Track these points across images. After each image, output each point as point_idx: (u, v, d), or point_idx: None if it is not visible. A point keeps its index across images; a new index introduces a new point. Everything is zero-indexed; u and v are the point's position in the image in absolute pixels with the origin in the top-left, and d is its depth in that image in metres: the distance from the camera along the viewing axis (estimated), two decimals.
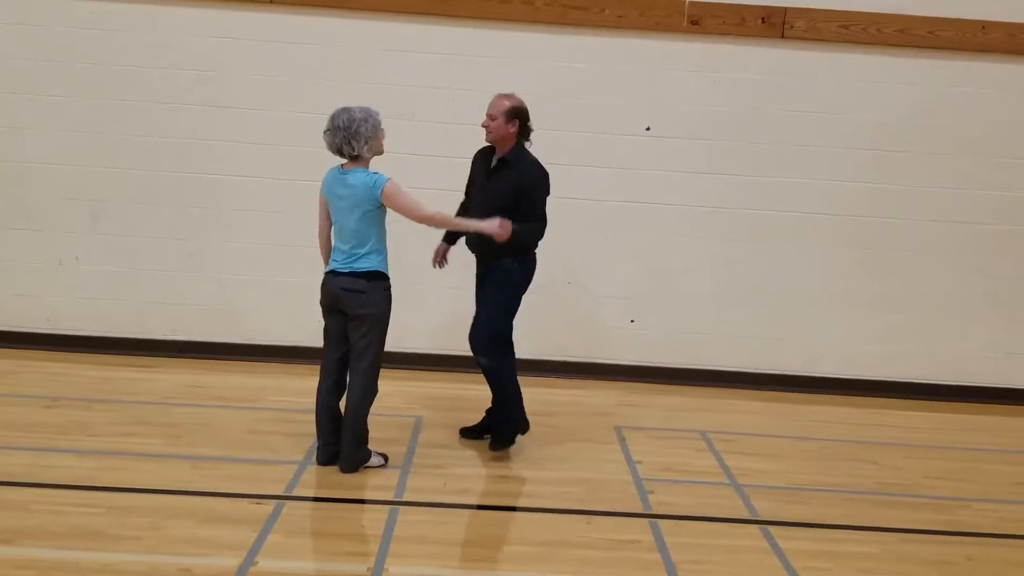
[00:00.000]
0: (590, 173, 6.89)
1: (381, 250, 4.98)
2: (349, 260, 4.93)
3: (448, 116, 6.63)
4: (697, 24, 6.71)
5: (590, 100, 6.82)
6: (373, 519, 4.63)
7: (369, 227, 4.90)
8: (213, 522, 4.46)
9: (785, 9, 6.72)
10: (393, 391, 5.98)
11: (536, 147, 6.73)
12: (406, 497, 4.87)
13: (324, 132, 4.88)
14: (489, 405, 5.60)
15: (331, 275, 5.00)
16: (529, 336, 6.93)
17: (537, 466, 5.38)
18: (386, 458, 5.20)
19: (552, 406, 6.44)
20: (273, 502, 4.70)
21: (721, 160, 6.91)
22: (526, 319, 6.84)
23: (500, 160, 5.31)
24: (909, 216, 7.02)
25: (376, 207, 4.87)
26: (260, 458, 5.23)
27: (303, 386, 6.40)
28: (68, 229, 6.90)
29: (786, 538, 4.68)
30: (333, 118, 4.85)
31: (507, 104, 5.23)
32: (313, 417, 5.21)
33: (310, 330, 6.78)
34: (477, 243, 5.33)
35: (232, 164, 6.85)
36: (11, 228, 6.89)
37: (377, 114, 4.89)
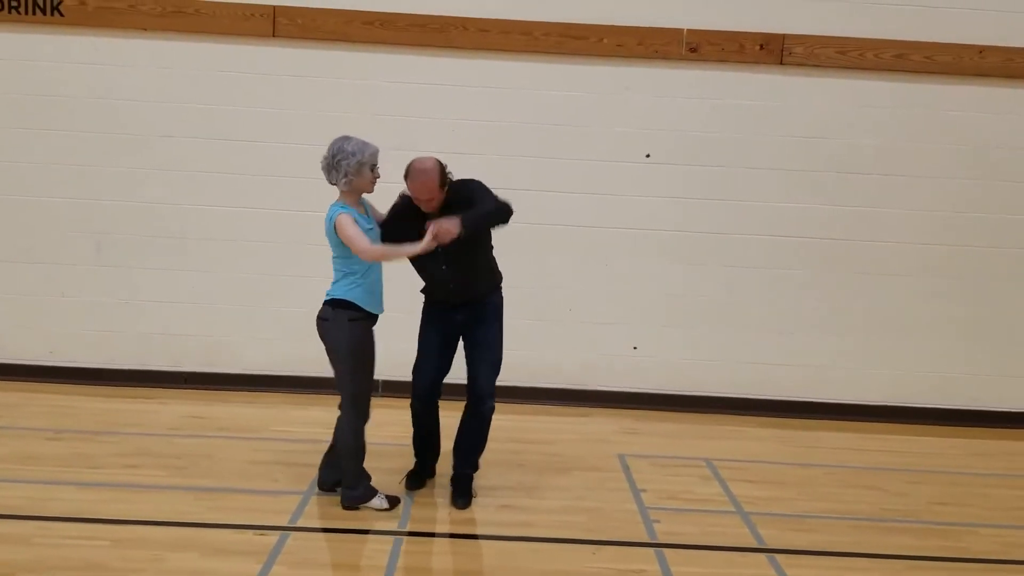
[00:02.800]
0: (590, 200, 6.91)
1: (356, 281, 4.84)
2: (330, 288, 4.92)
3: (448, 146, 6.63)
4: (695, 51, 6.76)
5: (589, 128, 6.86)
6: (377, 550, 4.61)
7: (340, 256, 4.85)
8: (217, 554, 4.45)
9: (783, 35, 6.77)
10: (395, 420, 5.97)
11: (536, 175, 6.85)
12: (410, 528, 4.86)
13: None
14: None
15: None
16: (530, 364, 6.98)
17: (541, 496, 5.35)
18: (392, 502, 5.08)
19: (554, 435, 6.43)
20: (277, 533, 4.69)
21: (721, 186, 6.93)
22: (527, 347, 6.91)
23: (445, 206, 4.87)
24: (910, 240, 7.03)
25: (339, 240, 4.79)
26: (263, 489, 5.22)
27: (305, 416, 6.44)
28: (71, 262, 6.92)
29: (793, 566, 4.66)
30: (330, 144, 4.84)
31: (436, 177, 4.81)
32: (316, 447, 5.29)
33: (310, 360, 6.81)
34: (462, 290, 5.07)
35: (233, 196, 6.87)
36: (14, 261, 6.92)
37: (370, 153, 4.80)
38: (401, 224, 4.94)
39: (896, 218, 6.99)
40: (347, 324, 4.84)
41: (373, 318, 4.95)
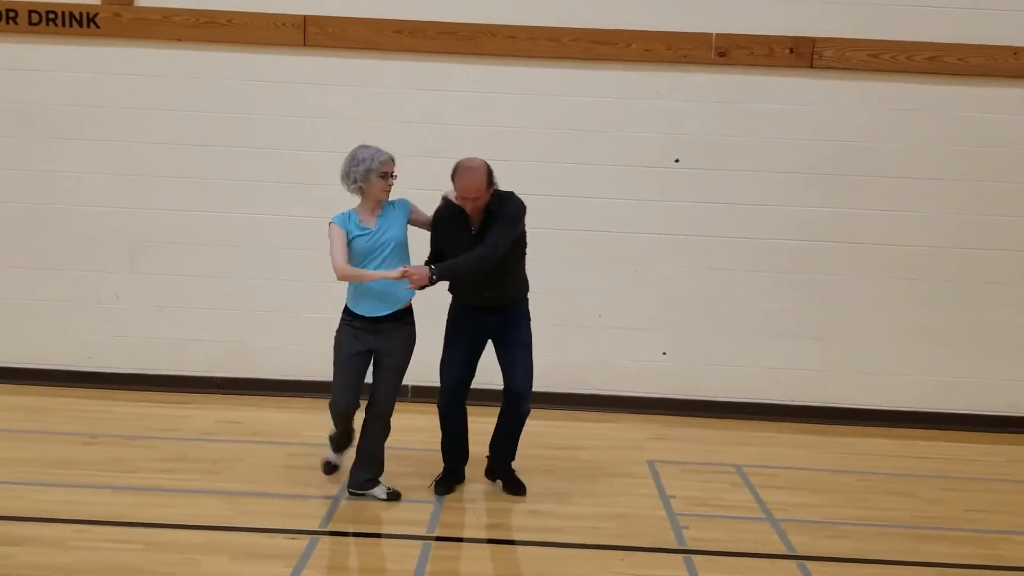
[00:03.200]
0: (620, 206, 6.91)
1: (351, 285, 5.05)
2: None
3: (477, 152, 6.59)
4: (725, 56, 6.74)
5: (618, 134, 6.86)
6: (405, 554, 4.63)
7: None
8: (248, 557, 4.51)
9: (814, 39, 6.72)
10: (423, 425, 6.00)
11: (565, 181, 6.86)
12: (438, 532, 4.88)
13: None
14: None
15: None
16: (560, 370, 6.98)
17: (570, 501, 5.36)
18: (391, 495, 5.21)
19: (584, 441, 6.42)
20: (307, 537, 4.73)
21: (751, 191, 6.90)
22: (557, 353, 6.92)
23: (488, 213, 5.02)
24: (945, 244, 6.94)
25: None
26: (294, 493, 5.27)
27: None
28: (107, 269, 7.03)
29: (823, 573, 4.63)
30: (350, 152, 5.00)
31: (483, 177, 4.94)
32: (347, 452, 5.44)
33: None
34: (495, 296, 5.14)
35: (266, 203, 6.96)
36: (51, 269, 7.04)
37: (380, 161, 4.89)
38: (443, 228, 5.09)
39: (930, 222, 6.91)
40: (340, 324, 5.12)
41: (360, 319, 5.03)
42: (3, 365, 7.09)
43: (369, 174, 4.90)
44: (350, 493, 5.25)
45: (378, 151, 4.93)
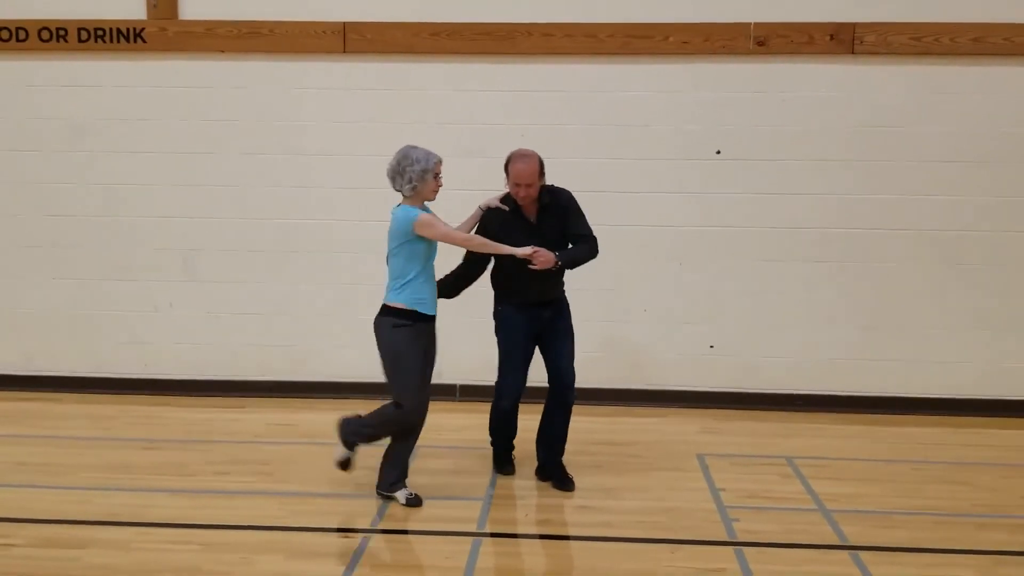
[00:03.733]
0: (662, 199, 6.90)
1: (408, 286, 4.99)
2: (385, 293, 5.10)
3: None
4: (764, 45, 6.69)
5: (658, 127, 6.85)
6: (456, 551, 4.68)
7: (398, 260, 5.00)
8: (302, 556, 4.59)
9: (854, 24, 6.64)
10: (473, 423, 6.07)
11: (606, 176, 6.86)
12: (488, 529, 4.93)
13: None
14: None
15: None
16: (607, 365, 7.00)
17: (619, 496, 5.37)
18: (412, 500, 5.19)
19: (633, 435, 6.43)
20: (360, 535, 4.82)
21: (795, 180, 6.84)
22: (604, 349, 6.94)
23: (542, 206, 5.25)
24: (998, 228, 6.83)
25: (408, 240, 4.95)
26: (346, 493, 5.36)
27: None
28: (162, 278, 7.20)
29: (877, 563, 4.57)
30: (396, 152, 5.01)
31: (537, 165, 5.15)
32: None
33: None
34: (549, 289, 5.30)
35: (314, 209, 7.07)
36: (109, 279, 7.23)
37: (434, 162, 4.97)
38: (495, 229, 5.20)
39: (980, 206, 6.80)
40: (390, 330, 5.02)
41: (428, 319, 5.07)
42: (69, 375, 7.32)
43: (425, 174, 4.95)
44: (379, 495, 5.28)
45: (429, 152, 4.99)
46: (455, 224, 5.20)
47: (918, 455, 6.13)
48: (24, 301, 7.28)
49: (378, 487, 5.28)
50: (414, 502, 5.19)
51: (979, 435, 6.56)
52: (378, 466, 5.29)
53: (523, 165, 5.11)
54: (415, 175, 4.92)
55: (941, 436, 6.52)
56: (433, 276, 5.11)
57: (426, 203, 5.07)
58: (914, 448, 6.27)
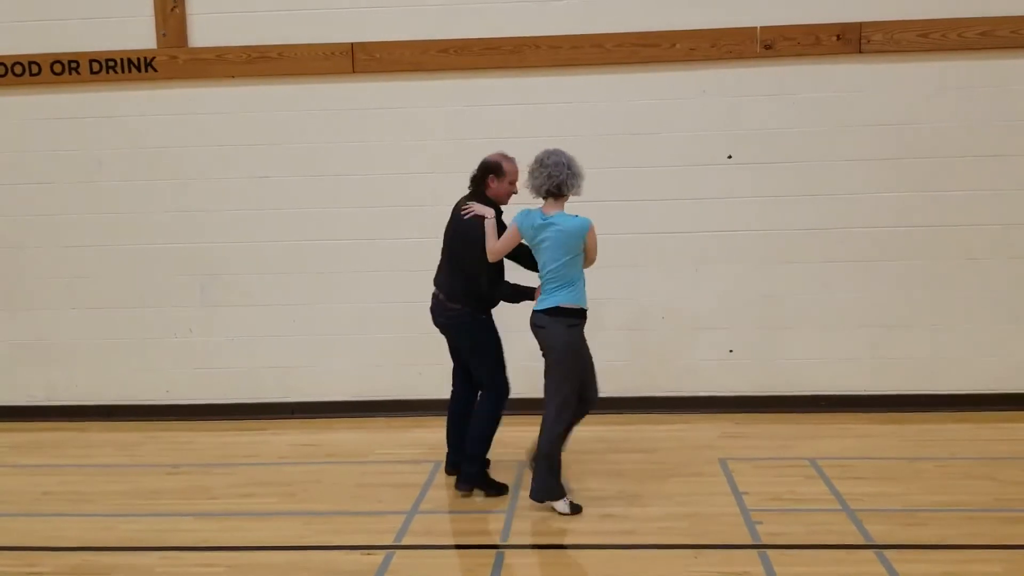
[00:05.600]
0: (675, 206, 6.91)
1: (576, 286, 5.15)
2: (543, 296, 5.18)
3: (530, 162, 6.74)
4: (771, 48, 6.69)
5: (668, 135, 6.86)
6: (480, 564, 4.69)
7: (571, 265, 5.12)
8: (326, 574, 4.61)
9: (860, 24, 6.64)
10: (497, 436, 6.07)
11: (618, 185, 6.87)
12: (511, 540, 4.93)
13: (537, 170, 5.11)
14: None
15: (532, 313, 5.24)
16: (627, 373, 6.99)
17: (641, 503, 5.36)
18: (574, 509, 5.23)
19: (654, 442, 6.42)
20: (383, 552, 4.82)
21: (808, 182, 6.83)
22: (623, 357, 6.93)
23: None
24: (1013, 221, 6.78)
25: (582, 248, 5.12)
26: (369, 510, 5.38)
27: (408, 439, 6.61)
28: (179, 304, 7.26)
29: (903, 561, 4.54)
30: (551, 157, 5.10)
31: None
32: (420, 467, 5.68)
33: (410, 385, 7.03)
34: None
35: (329, 229, 7.11)
36: (127, 307, 7.30)
37: None
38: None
39: (996, 200, 6.76)
40: (564, 329, 5.12)
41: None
42: (94, 403, 7.38)
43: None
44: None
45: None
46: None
47: (942, 452, 6.08)
48: (46, 332, 7.36)
49: (538, 495, 5.23)
50: (576, 510, 5.21)
51: (1003, 430, 6.50)
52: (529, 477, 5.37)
53: (516, 164, 5.36)
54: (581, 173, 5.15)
55: (964, 432, 6.47)
56: None
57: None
58: (937, 445, 6.22)
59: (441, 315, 5.48)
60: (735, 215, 6.90)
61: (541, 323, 5.15)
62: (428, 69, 6.87)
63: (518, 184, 5.37)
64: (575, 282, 5.14)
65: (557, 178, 5.05)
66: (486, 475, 5.55)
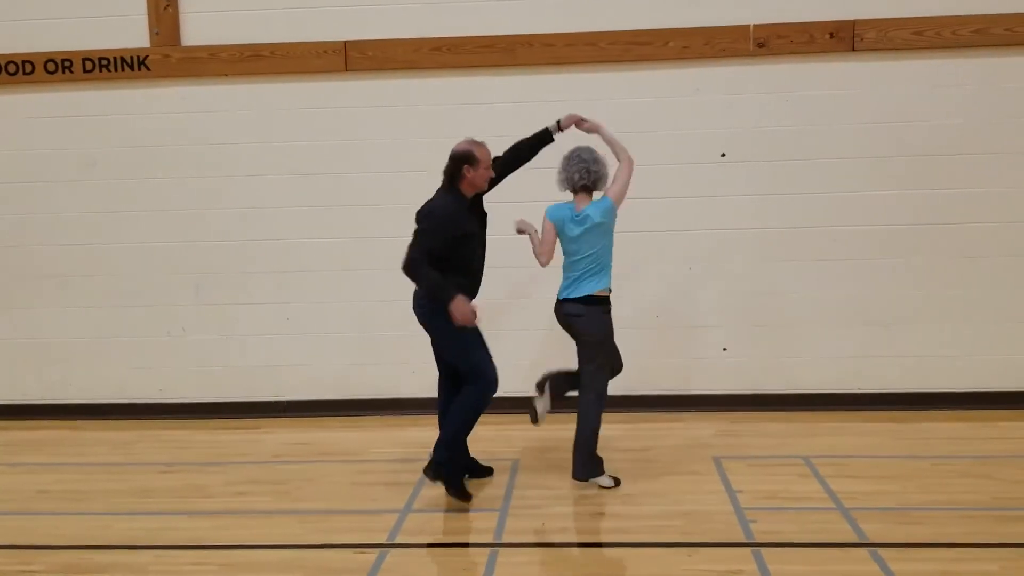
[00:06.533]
0: (669, 205, 6.90)
1: (607, 272, 5.41)
2: (574, 285, 5.37)
3: (529, 163, 6.73)
4: (764, 46, 6.69)
5: (662, 133, 6.85)
6: (473, 563, 4.68)
7: (604, 251, 5.37)
8: (320, 573, 4.60)
9: (854, 22, 6.64)
10: (491, 435, 6.08)
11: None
12: (505, 539, 4.92)
13: (570, 166, 5.32)
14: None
15: (561, 302, 5.44)
16: (622, 372, 6.96)
17: (635, 502, 5.35)
18: (616, 482, 5.52)
19: (648, 440, 6.41)
20: (376, 551, 4.81)
21: (802, 180, 6.83)
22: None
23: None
24: (1008, 219, 6.78)
25: (613, 227, 5.35)
26: (363, 509, 5.36)
27: (402, 437, 6.60)
28: (173, 303, 7.25)
29: (898, 560, 4.53)
30: (583, 154, 5.34)
31: None
32: (413, 466, 5.65)
33: (405, 383, 7.01)
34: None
35: (322, 227, 7.10)
36: (121, 306, 7.28)
37: None
38: (467, 221, 5.33)
39: (990, 198, 6.76)
40: (601, 317, 5.39)
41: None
42: (89, 402, 7.37)
43: None
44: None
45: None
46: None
47: (938, 450, 6.07)
48: (41, 331, 7.35)
49: (582, 473, 5.47)
50: (618, 482, 5.51)
51: (999, 428, 6.50)
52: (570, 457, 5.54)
53: (486, 147, 5.32)
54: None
55: (960, 431, 6.47)
56: None
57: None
58: (933, 444, 6.22)
59: (415, 308, 5.43)
60: (729, 213, 6.89)
61: (578, 312, 5.34)
62: (421, 67, 6.86)
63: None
64: (607, 266, 5.38)
65: (590, 175, 5.28)
66: (454, 472, 5.38)
